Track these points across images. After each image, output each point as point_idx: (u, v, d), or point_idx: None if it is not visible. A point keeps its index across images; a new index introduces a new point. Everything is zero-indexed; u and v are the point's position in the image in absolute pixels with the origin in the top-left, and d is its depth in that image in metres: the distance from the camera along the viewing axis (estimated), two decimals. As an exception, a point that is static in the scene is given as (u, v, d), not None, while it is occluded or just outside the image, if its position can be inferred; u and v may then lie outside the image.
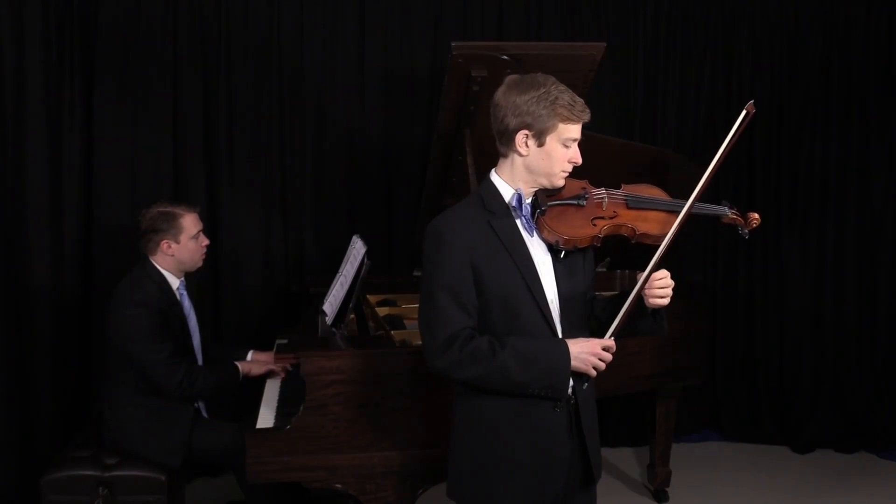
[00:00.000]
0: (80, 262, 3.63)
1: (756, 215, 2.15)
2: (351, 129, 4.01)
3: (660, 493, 3.67)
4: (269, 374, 3.07)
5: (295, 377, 2.85)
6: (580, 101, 1.88)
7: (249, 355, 3.20)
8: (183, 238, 2.92)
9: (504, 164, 1.94)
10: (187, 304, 3.03)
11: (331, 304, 2.89)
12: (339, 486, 2.48)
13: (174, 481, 2.87)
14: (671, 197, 2.10)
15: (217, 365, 3.03)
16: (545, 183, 1.92)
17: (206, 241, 3.03)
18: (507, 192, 1.93)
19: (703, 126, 4.38)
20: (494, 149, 1.97)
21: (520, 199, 1.91)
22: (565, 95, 1.85)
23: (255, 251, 3.94)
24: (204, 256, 3.04)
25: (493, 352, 1.82)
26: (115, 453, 2.83)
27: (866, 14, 4.34)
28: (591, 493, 2.07)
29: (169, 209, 2.95)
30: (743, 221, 2.15)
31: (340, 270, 3.05)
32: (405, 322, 3.11)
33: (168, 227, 2.90)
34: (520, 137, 1.87)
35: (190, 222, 2.95)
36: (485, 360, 1.82)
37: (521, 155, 1.89)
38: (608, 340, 1.89)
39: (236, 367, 3.01)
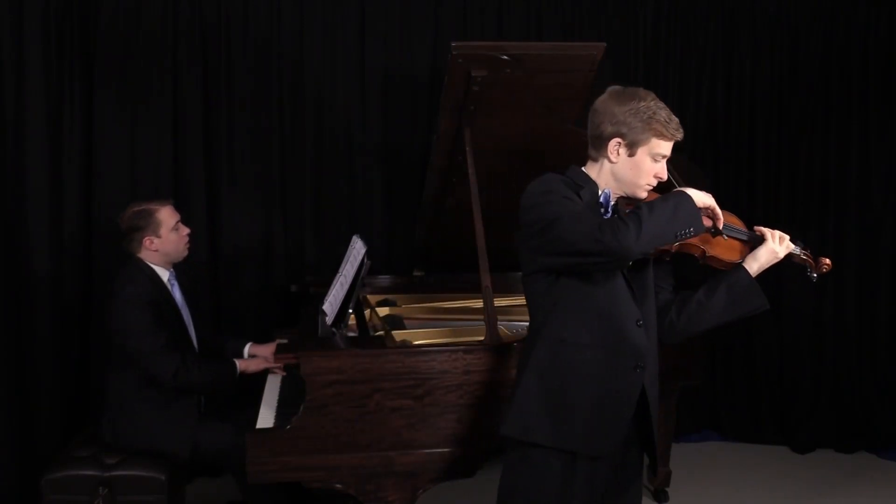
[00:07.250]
0: (81, 261, 3.62)
1: (828, 261, 2.08)
2: (351, 129, 4.01)
3: (660, 493, 3.67)
4: (268, 370, 3.09)
5: (295, 377, 2.85)
6: (676, 119, 1.93)
7: (247, 348, 3.23)
8: (163, 231, 2.99)
9: (592, 167, 2.00)
10: (178, 295, 3.07)
11: (331, 304, 2.88)
12: (339, 486, 2.47)
13: (174, 481, 2.87)
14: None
15: (214, 361, 3.05)
16: (628, 192, 1.97)
17: (186, 231, 3.08)
18: (596, 186, 1.97)
19: (704, 126, 4.38)
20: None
21: (608, 198, 1.96)
22: (662, 112, 1.91)
23: (255, 251, 3.94)
24: (188, 245, 3.09)
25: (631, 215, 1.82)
26: (122, 451, 2.84)
27: (866, 14, 4.34)
28: (637, 480, 2.12)
29: (143, 206, 3.01)
30: (813, 264, 2.09)
31: (340, 270, 3.05)
32: (405, 322, 3.11)
33: (146, 223, 2.97)
34: (612, 144, 1.93)
35: (166, 215, 3.01)
36: (631, 220, 1.79)
37: (610, 161, 1.95)
38: None
39: (234, 364, 3.03)
